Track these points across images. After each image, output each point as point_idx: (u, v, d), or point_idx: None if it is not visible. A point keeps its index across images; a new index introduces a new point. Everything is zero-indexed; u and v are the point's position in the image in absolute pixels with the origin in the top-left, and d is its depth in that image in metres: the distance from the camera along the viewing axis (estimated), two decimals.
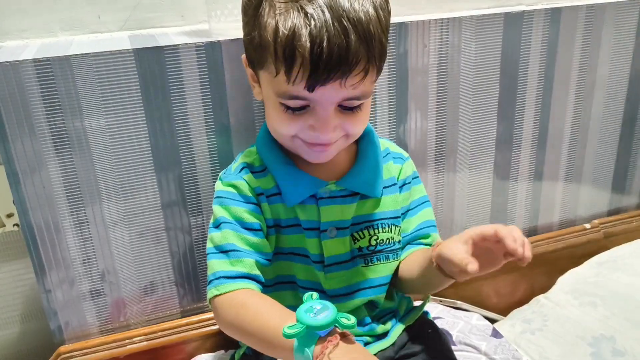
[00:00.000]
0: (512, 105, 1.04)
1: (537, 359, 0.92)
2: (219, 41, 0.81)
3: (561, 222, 1.19)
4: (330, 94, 0.63)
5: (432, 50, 0.94)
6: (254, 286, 0.68)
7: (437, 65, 0.95)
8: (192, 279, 0.92)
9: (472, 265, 0.58)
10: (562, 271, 1.13)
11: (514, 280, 1.14)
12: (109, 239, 0.85)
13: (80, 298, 0.87)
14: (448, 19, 0.93)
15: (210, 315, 0.92)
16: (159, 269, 0.90)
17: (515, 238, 0.58)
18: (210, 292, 0.68)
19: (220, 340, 0.92)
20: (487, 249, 0.61)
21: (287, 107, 0.65)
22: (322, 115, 0.65)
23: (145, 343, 0.88)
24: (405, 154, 0.82)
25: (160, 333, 0.90)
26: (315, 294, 0.60)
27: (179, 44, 0.79)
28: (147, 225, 0.87)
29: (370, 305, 0.78)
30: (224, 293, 0.67)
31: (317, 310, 0.56)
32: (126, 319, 0.91)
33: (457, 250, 0.61)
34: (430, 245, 0.78)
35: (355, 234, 0.75)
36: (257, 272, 0.69)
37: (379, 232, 0.75)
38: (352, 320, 0.55)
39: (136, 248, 0.87)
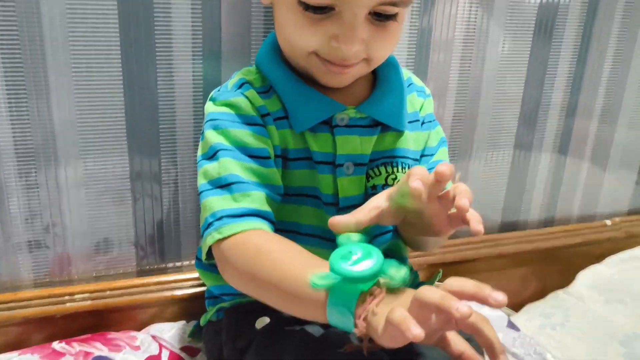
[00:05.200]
0: (539, 94, 0.94)
1: (559, 356, 0.77)
2: None
3: (580, 216, 1.06)
4: None
5: (460, 21, 0.83)
6: (265, 226, 0.53)
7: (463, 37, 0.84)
8: (155, 240, 0.76)
9: None
10: (577, 270, 1.00)
11: (523, 275, 1.00)
12: (58, 179, 0.69)
13: (15, 248, 0.70)
14: None
15: (174, 277, 0.76)
16: (118, 225, 0.74)
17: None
18: (211, 236, 0.52)
19: (184, 309, 0.76)
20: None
21: (307, 7, 0.52)
22: (350, 21, 0.52)
23: (89, 302, 0.71)
24: (427, 90, 0.69)
25: (108, 292, 0.72)
26: (356, 235, 0.45)
27: None
28: (106, 170, 0.71)
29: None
30: (230, 236, 0.51)
31: (356, 258, 0.42)
32: (69, 276, 0.74)
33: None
34: None
35: (370, 171, 0.61)
36: (267, 208, 0.54)
37: (397, 172, 0.61)
38: (403, 272, 0.41)
39: (92, 197, 0.72)
